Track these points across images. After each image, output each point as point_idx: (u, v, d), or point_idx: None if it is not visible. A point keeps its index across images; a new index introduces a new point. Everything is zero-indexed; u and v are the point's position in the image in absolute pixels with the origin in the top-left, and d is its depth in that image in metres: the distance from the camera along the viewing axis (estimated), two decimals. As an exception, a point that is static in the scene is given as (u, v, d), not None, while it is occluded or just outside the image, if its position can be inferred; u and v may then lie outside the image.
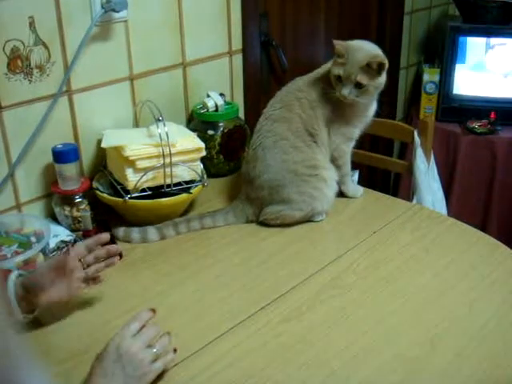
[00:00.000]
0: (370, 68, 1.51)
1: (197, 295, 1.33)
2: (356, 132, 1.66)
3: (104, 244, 1.24)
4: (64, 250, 1.26)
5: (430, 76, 2.80)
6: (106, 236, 1.25)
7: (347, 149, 1.67)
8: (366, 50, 1.55)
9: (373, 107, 1.66)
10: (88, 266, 1.23)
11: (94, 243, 1.24)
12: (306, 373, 1.09)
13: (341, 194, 1.70)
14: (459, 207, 2.67)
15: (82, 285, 1.22)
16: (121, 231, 1.53)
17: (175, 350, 1.09)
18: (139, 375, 1.01)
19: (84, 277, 1.21)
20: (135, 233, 1.53)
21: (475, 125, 2.68)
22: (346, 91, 1.53)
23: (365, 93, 1.54)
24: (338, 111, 1.60)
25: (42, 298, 1.15)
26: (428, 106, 2.84)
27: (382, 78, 1.55)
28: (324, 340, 1.17)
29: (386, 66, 1.53)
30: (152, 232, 1.54)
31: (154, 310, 1.09)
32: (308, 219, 1.60)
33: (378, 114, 1.70)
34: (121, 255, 1.30)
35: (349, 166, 1.70)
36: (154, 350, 1.04)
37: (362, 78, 1.51)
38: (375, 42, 1.61)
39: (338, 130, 1.62)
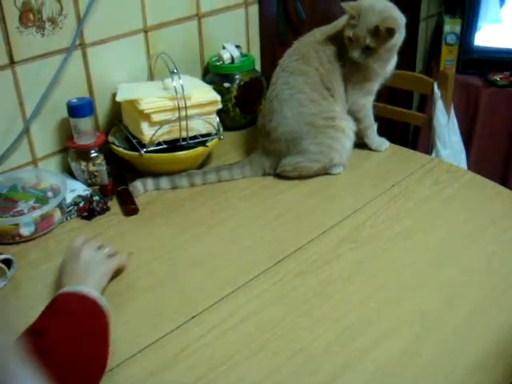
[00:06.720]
0: (380, 31, 1.45)
1: (213, 249, 1.33)
2: (375, 86, 1.62)
3: None
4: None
5: (451, 27, 2.72)
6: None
7: (366, 102, 1.63)
8: (377, 10, 1.47)
9: (392, 62, 1.61)
10: None
11: None
12: (323, 326, 1.09)
13: (358, 146, 1.67)
14: (479, 161, 2.63)
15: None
16: (138, 185, 1.54)
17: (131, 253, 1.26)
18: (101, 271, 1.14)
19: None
20: (149, 183, 1.55)
21: (496, 77, 2.62)
22: (356, 53, 1.49)
23: (375, 55, 1.50)
24: (355, 67, 1.55)
25: None
26: (449, 58, 2.77)
27: (395, 40, 1.50)
28: (340, 294, 1.17)
29: (397, 29, 1.46)
30: (182, 180, 1.56)
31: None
32: (325, 171, 1.58)
33: (397, 66, 1.66)
34: None
35: (371, 118, 1.66)
36: (105, 251, 1.19)
37: (371, 42, 1.46)
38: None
39: (355, 85, 1.58)
